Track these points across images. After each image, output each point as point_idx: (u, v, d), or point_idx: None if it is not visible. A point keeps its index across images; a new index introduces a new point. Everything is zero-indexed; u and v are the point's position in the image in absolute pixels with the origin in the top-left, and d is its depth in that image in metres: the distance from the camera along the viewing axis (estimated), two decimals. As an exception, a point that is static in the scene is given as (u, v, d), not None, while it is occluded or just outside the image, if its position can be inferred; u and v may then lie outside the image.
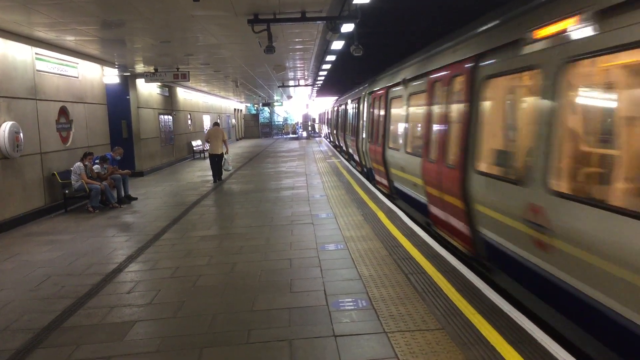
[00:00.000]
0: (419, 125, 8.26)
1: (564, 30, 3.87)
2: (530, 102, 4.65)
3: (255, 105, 49.32)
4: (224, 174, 14.89)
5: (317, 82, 28.26)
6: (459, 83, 6.23)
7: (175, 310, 4.72)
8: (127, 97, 16.27)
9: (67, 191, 10.34)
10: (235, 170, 16.93)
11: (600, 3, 3.44)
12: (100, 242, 7.65)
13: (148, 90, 17.57)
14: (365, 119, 14.43)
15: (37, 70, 10.15)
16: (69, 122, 11.50)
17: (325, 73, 22.75)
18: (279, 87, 27.35)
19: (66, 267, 6.36)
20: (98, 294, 5.26)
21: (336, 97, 32.73)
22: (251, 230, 7.88)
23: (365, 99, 14.42)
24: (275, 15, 8.51)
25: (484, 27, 5.83)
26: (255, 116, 48.90)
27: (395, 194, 10.20)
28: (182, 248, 7.01)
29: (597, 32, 3.47)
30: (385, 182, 11.09)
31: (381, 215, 8.32)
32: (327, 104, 41.80)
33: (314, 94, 39.93)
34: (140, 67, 15.10)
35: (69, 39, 10.02)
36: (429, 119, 7.51)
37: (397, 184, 9.87)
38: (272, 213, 9.20)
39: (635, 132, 3.45)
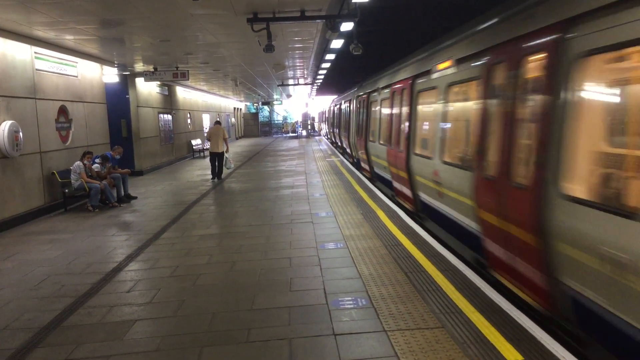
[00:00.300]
0: (387, 122, 11.00)
1: (446, 67, 6.70)
2: (434, 108, 7.46)
3: (255, 104, 49.27)
4: (224, 172, 14.89)
5: (317, 81, 28.22)
6: (406, 94, 9.17)
7: (175, 309, 4.72)
8: (127, 96, 16.24)
9: (66, 190, 10.33)
10: (235, 169, 16.92)
11: (457, 54, 6.28)
12: (100, 241, 7.65)
13: (147, 89, 17.56)
14: (354, 117, 17.48)
15: (37, 70, 10.14)
16: (69, 121, 11.49)
17: (324, 72, 22.72)
18: (278, 86, 27.31)
19: (66, 266, 6.37)
20: (98, 293, 5.27)
21: (334, 97, 32.87)
22: (251, 229, 7.88)
23: (354, 101, 17.41)
24: (274, 14, 8.51)
25: (421, 56, 8.67)
26: (255, 115, 48.84)
27: (374, 177, 13.06)
28: (182, 247, 7.02)
29: (461, 70, 6.20)
30: (367, 168, 14.12)
31: (381, 214, 8.32)
32: (327, 102, 41.78)
33: (314, 92, 39.88)
34: (139, 66, 15.07)
35: (68, 38, 10.01)
36: (391, 118, 10.46)
37: (375, 169, 12.75)
38: (271, 212, 9.20)
39: (474, 125, 5.81)
